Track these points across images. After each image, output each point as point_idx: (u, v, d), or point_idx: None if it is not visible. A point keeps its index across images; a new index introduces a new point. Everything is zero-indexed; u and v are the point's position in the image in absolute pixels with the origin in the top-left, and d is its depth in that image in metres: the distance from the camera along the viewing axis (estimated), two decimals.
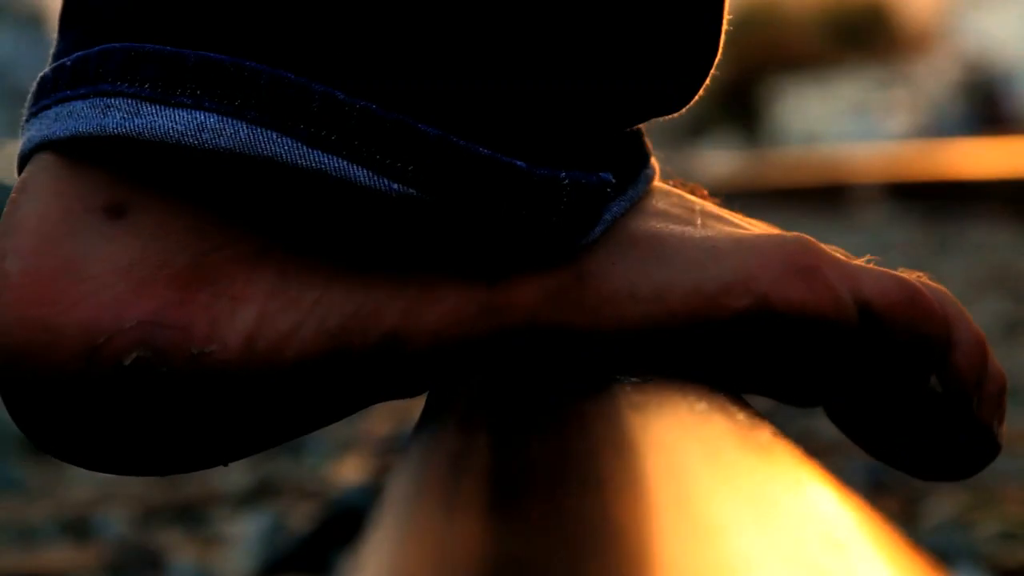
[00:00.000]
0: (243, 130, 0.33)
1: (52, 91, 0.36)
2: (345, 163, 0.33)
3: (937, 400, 0.38)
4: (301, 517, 1.02)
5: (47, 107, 0.36)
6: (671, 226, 0.37)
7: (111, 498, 1.17)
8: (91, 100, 0.34)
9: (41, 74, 0.37)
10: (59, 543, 1.05)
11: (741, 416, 0.31)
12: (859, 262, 0.37)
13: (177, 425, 0.35)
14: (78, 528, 1.09)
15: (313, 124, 0.33)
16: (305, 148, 0.33)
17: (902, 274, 0.37)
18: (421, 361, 0.35)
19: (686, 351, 0.36)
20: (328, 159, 0.33)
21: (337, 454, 1.27)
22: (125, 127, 0.34)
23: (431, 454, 0.28)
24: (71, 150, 0.35)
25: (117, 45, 0.35)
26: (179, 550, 1.00)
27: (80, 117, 0.34)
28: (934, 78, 24.33)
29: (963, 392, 0.37)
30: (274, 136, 0.33)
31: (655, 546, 0.21)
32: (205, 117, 0.33)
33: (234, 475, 1.23)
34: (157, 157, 0.34)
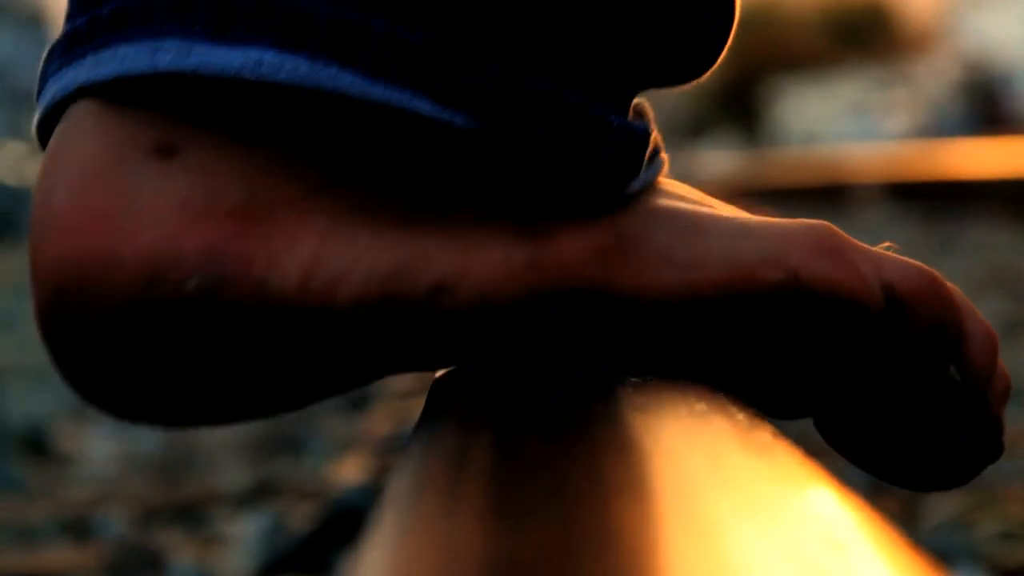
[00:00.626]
0: (303, 65, 0.33)
1: (88, 39, 0.35)
2: (407, 95, 0.33)
3: (952, 393, 0.37)
4: (301, 517, 1.02)
5: (83, 55, 0.35)
6: (697, 207, 0.37)
7: (111, 498, 1.17)
8: (138, 42, 0.34)
9: (69, 26, 0.36)
10: (59, 543, 1.05)
11: (741, 417, 0.31)
12: (879, 249, 0.37)
13: (231, 367, 0.34)
14: (78, 528, 1.09)
15: (374, 57, 0.33)
16: (367, 81, 0.33)
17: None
18: (467, 318, 0.34)
19: (718, 325, 0.35)
20: (390, 91, 0.33)
21: (337, 454, 1.27)
22: (179, 65, 0.33)
23: (431, 454, 0.28)
24: (116, 94, 0.34)
25: None
26: (179, 550, 1.00)
27: (127, 59, 0.34)
28: (934, 78, 24.33)
29: (978, 385, 0.37)
30: (335, 70, 0.33)
31: (655, 546, 0.21)
32: (263, 53, 0.33)
33: (234, 475, 1.23)
34: (209, 96, 0.34)
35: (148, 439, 1.45)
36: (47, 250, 0.34)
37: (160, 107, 0.34)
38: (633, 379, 0.35)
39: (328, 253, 0.33)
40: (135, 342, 0.33)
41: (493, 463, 0.26)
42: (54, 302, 0.33)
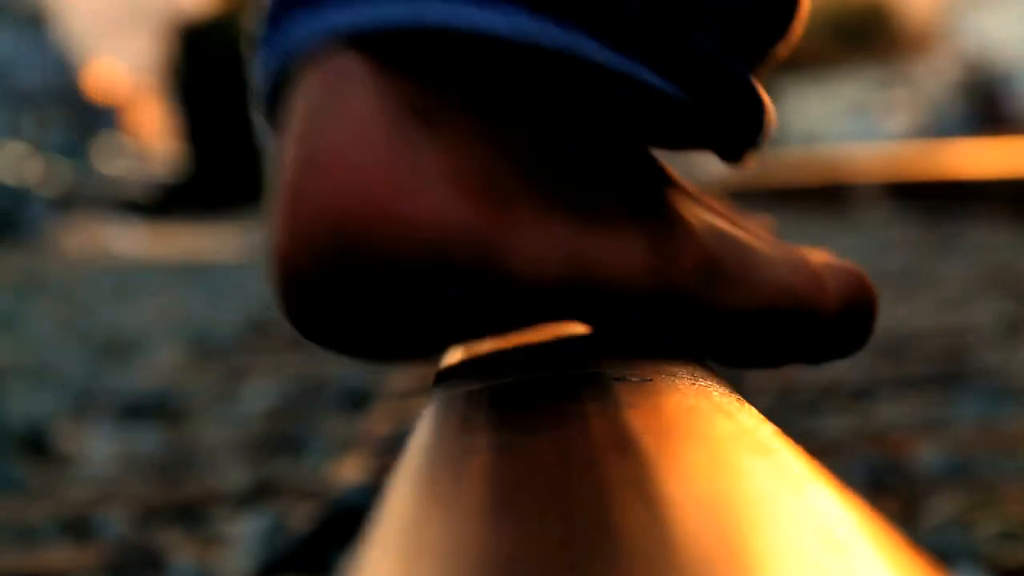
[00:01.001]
0: (557, 30, 0.35)
1: None
2: (636, 65, 0.36)
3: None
4: (301, 517, 1.02)
5: (338, 1, 0.35)
6: (740, 232, 0.44)
7: (111, 498, 1.17)
8: (403, 2, 0.34)
9: None
10: (59, 543, 1.05)
11: (741, 416, 0.31)
12: (826, 258, 0.46)
13: (456, 325, 0.37)
14: (78, 528, 1.09)
15: (618, 29, 0.36)
16: (611, 52, 0.36)
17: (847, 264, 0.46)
18: (602, 302, 0.39)
19: (745, 331, 0.43)
20: (629, 63, 0.36)
21: (337, 454, 1.28)
22: (448, 20, 0.34)
23: (431, 454, 0.28)
24: (376, 46, 0.34)
25: None
26: (179, 550, 1.00)
27: (391, 9, 0.34)
28: (934, 78, 24.33)
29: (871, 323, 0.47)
30: (583, 38, 0.35)
31: (655, 546, 0.21)
32: (519, 16, 0.34)
33: (234, 475, 1.23)
34: (455, 59, 0.35)
35: (148, 439, 1.45)
36: (329, 187, 0.34)
37: (419, 67, 0.34)
38: (633, 379, 0.35)
39: (546, 240, 0.36)
40: (400, 298, 0.35)
41: (493, 463, 0.26)
42: (330, 242, 0.34)
